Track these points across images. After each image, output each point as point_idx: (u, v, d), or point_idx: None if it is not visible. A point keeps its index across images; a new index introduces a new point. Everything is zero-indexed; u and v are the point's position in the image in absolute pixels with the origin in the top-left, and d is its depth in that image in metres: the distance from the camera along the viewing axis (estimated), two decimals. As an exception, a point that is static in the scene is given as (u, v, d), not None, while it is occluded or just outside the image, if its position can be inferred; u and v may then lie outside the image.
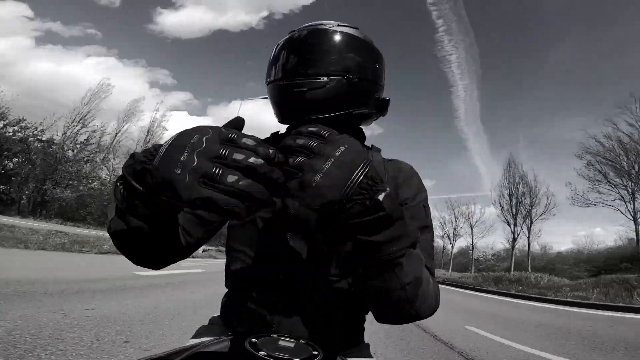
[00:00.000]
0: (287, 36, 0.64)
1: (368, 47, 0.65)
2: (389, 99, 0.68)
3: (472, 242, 31.50)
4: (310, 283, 0.60)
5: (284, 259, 0.60)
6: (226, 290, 0.69)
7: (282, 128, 0.73)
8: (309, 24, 0.65)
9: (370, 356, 0.66)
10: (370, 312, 0.67)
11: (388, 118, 0.71)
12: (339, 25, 0.64)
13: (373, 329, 3.92)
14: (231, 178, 0.29)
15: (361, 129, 0.70)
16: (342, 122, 0.62)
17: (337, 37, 0.62)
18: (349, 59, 0.62)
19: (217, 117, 58.41)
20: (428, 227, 0.63)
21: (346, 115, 0.61)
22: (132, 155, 0.36)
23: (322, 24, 0.64)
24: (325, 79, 0.59)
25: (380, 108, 0.67)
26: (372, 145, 0.72)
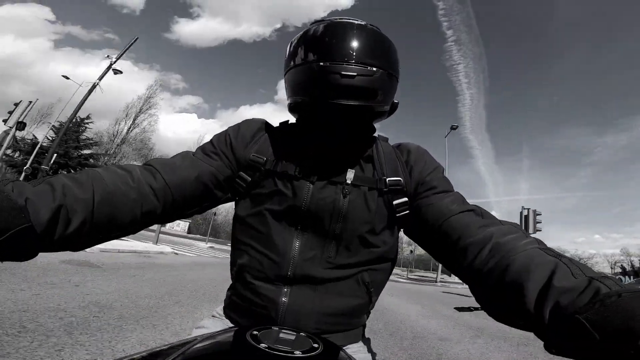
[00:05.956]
0: (324, 23, 0.62)
1: (396, 50, 0.66)
2: (398, 102, 0.67)
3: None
4: (315, 278, 0.60)
5: (291, 255, 0.60)
6: (230, 283, 0.69)
7: (290, 117, 0.72)
8: (340, 17, 0.64)
9: (371, 351, 0.66)
10: (371, 308, 0.66)
11: (392, 123, 0.70)
12: (371, 25, 0.64)
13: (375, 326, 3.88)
14: None
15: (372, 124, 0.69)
16: (365, 115, 0.63)
17: (378, 34, 0.63)
18: (390, 56, 0.63)
19: (225, 121, 59.05)
20: (460, 196, 0.62)
21: (369, 108, 0.61)
22: None
23: (358, 20, 0.63)
24: (374, 68, 0.59)
25: (392, 109, 0.67)
26: (378, 135, 0.72)
